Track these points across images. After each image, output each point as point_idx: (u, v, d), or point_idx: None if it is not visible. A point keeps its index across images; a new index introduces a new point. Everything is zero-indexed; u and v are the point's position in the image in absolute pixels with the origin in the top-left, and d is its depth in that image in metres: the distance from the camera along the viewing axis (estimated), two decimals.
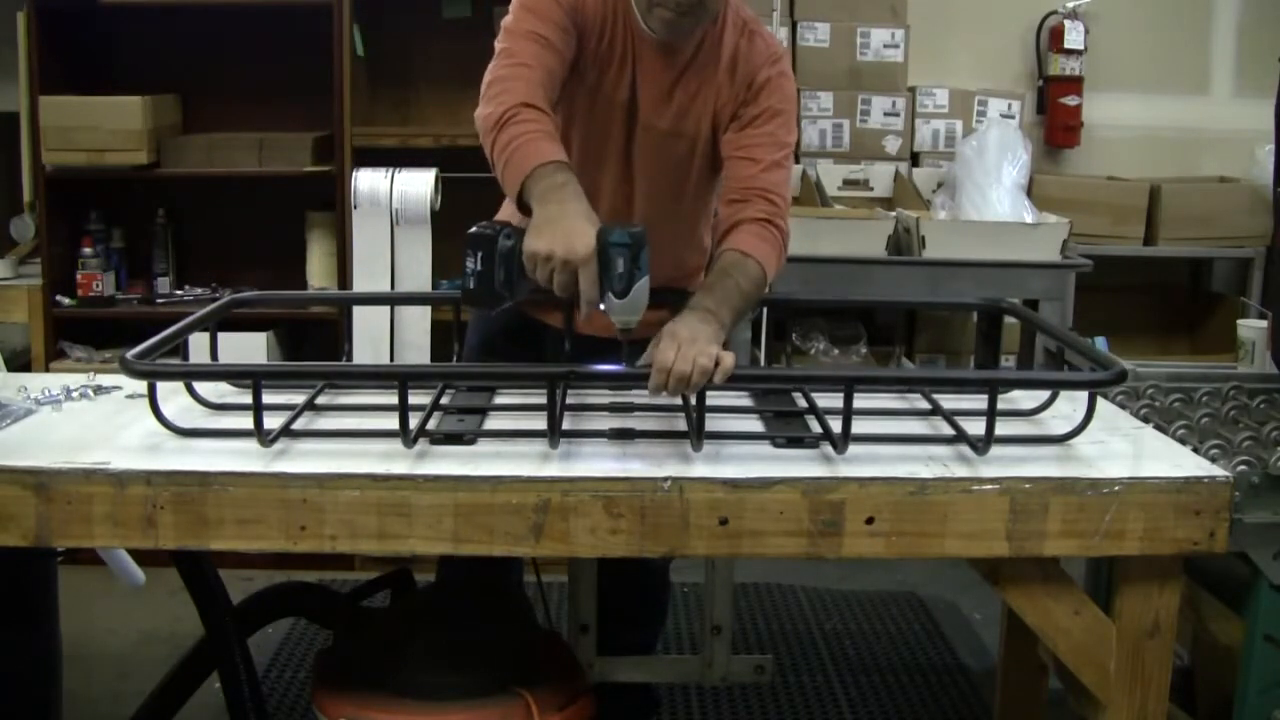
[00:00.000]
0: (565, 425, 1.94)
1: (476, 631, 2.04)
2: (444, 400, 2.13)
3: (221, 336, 2.23)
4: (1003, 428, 1.96)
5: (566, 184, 1.86)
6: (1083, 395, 2.01)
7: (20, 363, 3.65)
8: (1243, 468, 1.99)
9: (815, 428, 2.01)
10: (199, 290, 3.92)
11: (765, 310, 3.46)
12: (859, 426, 1.91)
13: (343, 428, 2.01)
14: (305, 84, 3.78)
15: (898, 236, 3.88)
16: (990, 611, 3.18)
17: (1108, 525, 1.81)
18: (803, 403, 2.14)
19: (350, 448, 1.90)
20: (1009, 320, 2.45)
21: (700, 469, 1.83)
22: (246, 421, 1.88)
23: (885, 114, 4.34)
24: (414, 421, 1.91)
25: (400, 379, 1.90)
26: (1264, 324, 2.90)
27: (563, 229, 1.79)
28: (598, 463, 1.85)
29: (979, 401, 1.97)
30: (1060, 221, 3.87)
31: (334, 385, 2.22)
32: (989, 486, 1.80)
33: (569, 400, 2.10)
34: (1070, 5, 4.52)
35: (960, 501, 1.80)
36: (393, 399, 1.88)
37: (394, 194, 3.46)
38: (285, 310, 3.70)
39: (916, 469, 1.86)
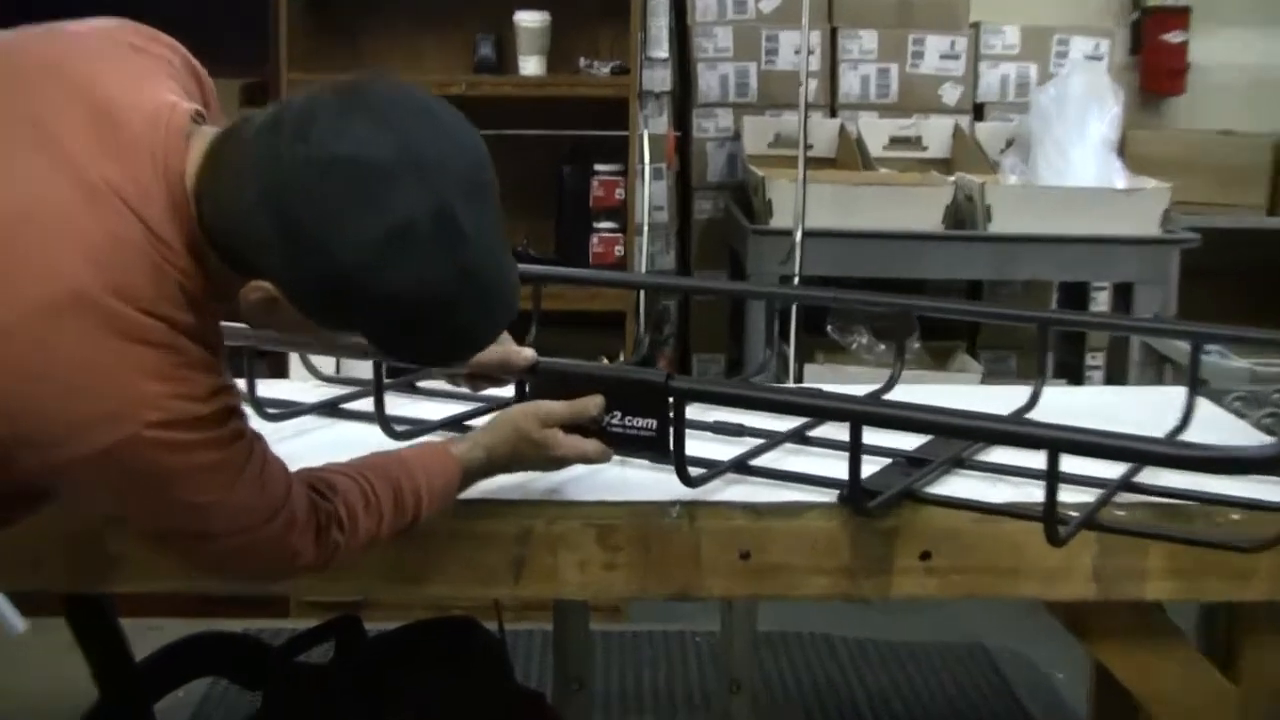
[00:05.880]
0: None
1: (440, 692, 2.04)
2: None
3: None
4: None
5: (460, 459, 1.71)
6: (1178, 399, 2.02)
7: None
8: None
9: None
10: None
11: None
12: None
13: None
14: (235, 18, 3.78)
15: (957, 206, 3.88)
16: (1075, 670, 3.17)
17: (1226, 563, 1.79)
18: None
19: None
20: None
21: (716, 491, 1.82)
22: None
23: (942, 57, 4.35)
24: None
25: None
26: None
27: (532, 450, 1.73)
28: (590, 482, 1.83)
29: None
30: (1160, 187, 3.87)
31: None
32: (1072, 512, 1.77)
33: None
34: None
35: (1037, 530, 1.77)
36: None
37: None
38: None
39: (984, 489, 1.85)
